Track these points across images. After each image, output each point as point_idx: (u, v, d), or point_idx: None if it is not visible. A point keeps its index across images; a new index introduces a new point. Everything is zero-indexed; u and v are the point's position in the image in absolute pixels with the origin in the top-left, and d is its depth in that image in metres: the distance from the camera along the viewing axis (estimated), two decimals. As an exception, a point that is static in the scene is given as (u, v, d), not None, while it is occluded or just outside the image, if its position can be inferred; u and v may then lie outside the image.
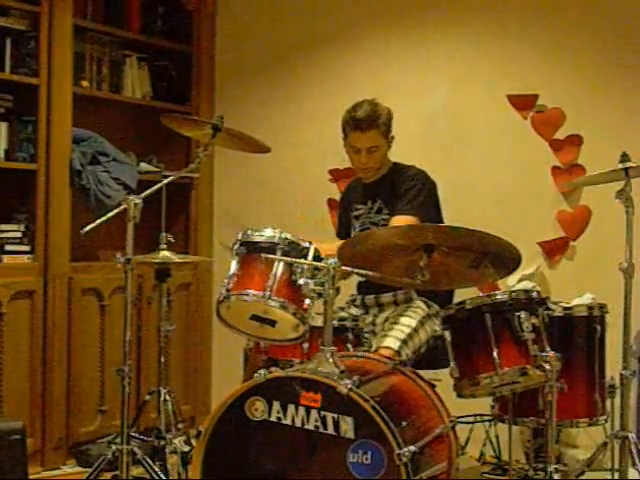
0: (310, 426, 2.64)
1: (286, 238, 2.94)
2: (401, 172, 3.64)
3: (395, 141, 3.63)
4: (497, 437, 4.01)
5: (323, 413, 2.62)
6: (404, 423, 2.68)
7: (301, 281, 2.90)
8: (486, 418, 3.91)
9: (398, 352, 3.19)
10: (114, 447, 3.20)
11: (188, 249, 4.94)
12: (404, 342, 3.24)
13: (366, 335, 3.35)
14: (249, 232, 3.00)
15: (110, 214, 3.23)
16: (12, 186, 4.22)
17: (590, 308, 3.40)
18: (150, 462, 3.35)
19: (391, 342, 3.23)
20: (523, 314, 3.00)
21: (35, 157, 4.17)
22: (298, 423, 2.66)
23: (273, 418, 2.69)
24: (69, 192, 4.30)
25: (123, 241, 3.16)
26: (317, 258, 2.93)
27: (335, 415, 2.61)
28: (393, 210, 3.54)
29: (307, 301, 2.91)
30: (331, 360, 2.74)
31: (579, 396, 3.31)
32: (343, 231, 3.80)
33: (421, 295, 3.52)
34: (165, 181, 3.43)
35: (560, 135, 4.29)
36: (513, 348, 2.98)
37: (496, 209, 4.33)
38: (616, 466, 3.23)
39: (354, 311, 3.58)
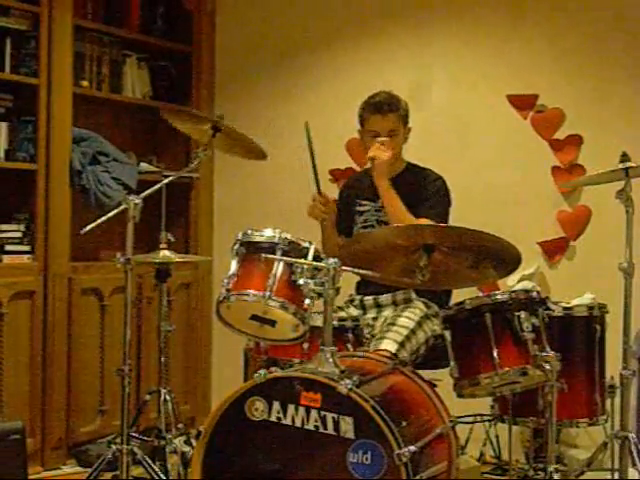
0: (310, 426, 2.64)
1: (286, 238, 2.94)
2: (421, 174, 3.63)
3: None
4: (497, 437, 4.01)
5: (323, 413, 2.62)
6: (404, 423, 2.68)
7: (301, 281, 2.90)
8: (486, 418, 3.91)
9: (395, 355, 3.18)
10: (114, 447, 3.20)
11: (188, 249, 4.95)
12: (401, 344, 3.23)
13: (366, 335, 3.35)
14: (249, 232, 3.00)
15: (110, 214, 3.23)
16: (12, 186, 4.22)
17: (590, 308, 3.40)
18: (150, 462, 3.35)
19: (388, 345, 3.21)
20: (523, 314, 3.00)
21: (35, 157, 4.17)
22: (298, 423, 2.66)
23: (273, 418, 2.69)
24: (69, 192, 4.30)
25: (123, 241, 3.16)
26: (317, 258, 2.93)
27: (335, 415, 2.61)
28: (413, 212, 3.50)
29: (307, 301, 2.91)
30: (331, 360, 2.74)
31: (579, 396, 3.31)
32: (343, 225, 3.78)
33: (420, 296, 3.52)
34: (165, 181, 3.43)
35: (560, 135, 4.29)
36: (513, 348, 2.98)
37: (496, 209, 4.33)
38: (616, 466, 3.23)
39: (352, 311, 3.57)
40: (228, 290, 2.94)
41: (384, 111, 3.54)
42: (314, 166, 3.43)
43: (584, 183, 4.07)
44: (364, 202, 3.68)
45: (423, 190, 3.56)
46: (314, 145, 3.44)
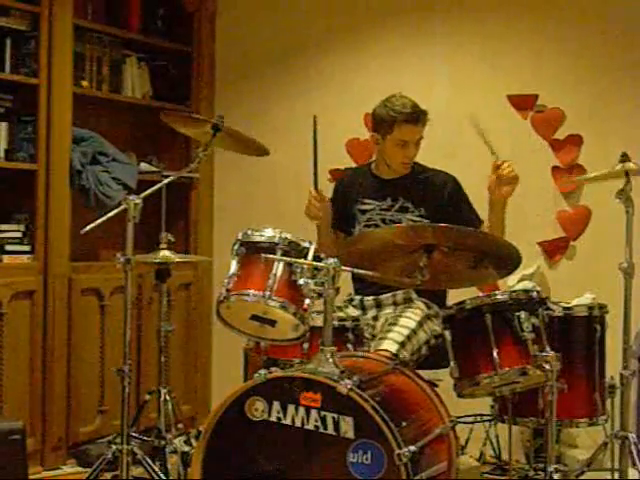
0: (310, 426, 2.64)
1: (286, 238, 2.94)
2: (428, 174, 3.64)
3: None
4: (497, 437, 4.01)
5: (323, 413, 2.62)
6: (404, 423, 2.68)
7: (301, 281, 2.90)
8: (486, 418, 3.91)
9: (396, 355, 3.18)
10: (114, 447, 3.20)
11: (188, 249, 4.95)
12: (402, 344, 3.22)
13: (366, 335, 3.35)
14: (249, 232, 3.00)
15: (110, 214, 3.23)
16: (12, 186, 4.22)
17: (590, 308, 3.40)
18: (150, 462, 3.34)
19: (389, 345, 3.21)
20: (523, 314, 2.99)
21: (35, 157, 4.16)
22: (298, 423, 2.66)
23: (273, 418, 2.69)
24: (69, 192, 4.30)
25: (123, 241, 3.16)
26: (317, 258, 2.93)
27: (335, 415, 2.61)
28: (432, 214, 3.50)
29: (307, 301, 2.91)
30: (331, 360, 2.74)
31: (579, 396, 3.31)
32: (342, 224, 3.74)
33: (421, 296, 3.52)
34: (165, 181, 3.43)
35: (560, 135, 4.29)
36: (513, 348, 2.98)
37: (496, 209, 4.32)
38: (616, 466, 3.23)
39: (351, 311, 3.57)
40: (228, 290, 2.94)
41: (419, 121, 3.52)
42: (315, 161, 3.40)
43: (585, 180, 4.06)
44: (367, 201, 3.64)
45: (443, 192, 3.58)
46: (319, 141, 3.41)
